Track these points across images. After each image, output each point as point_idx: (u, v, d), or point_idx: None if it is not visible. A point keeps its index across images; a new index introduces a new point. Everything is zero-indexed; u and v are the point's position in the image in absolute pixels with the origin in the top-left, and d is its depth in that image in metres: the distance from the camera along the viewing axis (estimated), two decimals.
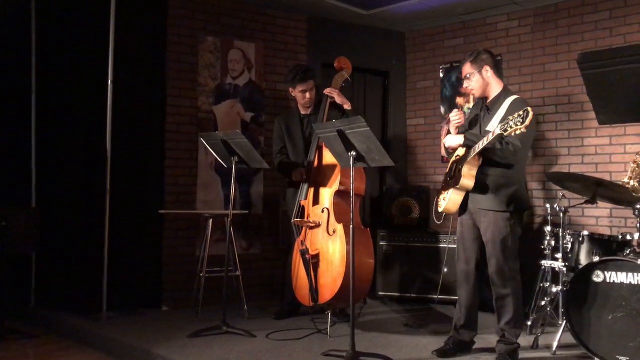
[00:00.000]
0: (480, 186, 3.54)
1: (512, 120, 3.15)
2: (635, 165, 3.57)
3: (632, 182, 3.55)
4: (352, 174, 3.68)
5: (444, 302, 4.99)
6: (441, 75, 6.10)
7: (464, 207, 3.67)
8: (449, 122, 3.80)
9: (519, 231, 3.64)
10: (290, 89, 4.72)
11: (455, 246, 3.95)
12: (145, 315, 4.84)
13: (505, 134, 3.19)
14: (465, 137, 3.58)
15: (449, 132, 3.78)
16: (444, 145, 3.76)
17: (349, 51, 5.17)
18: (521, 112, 3.12)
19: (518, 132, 3.15)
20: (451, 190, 3.59)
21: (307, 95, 4.64)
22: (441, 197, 3.72)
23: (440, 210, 3.69)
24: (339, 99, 4.57)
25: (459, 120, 3.72)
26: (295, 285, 4.41)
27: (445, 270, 4.90)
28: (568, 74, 5.23)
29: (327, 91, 4.61)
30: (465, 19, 5.88)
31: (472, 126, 3.74)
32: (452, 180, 3.63)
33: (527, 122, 3.09)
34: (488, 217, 3.56)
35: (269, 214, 5.59)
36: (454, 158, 3.74)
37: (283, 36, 5.77)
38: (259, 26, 5.65)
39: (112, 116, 4.78)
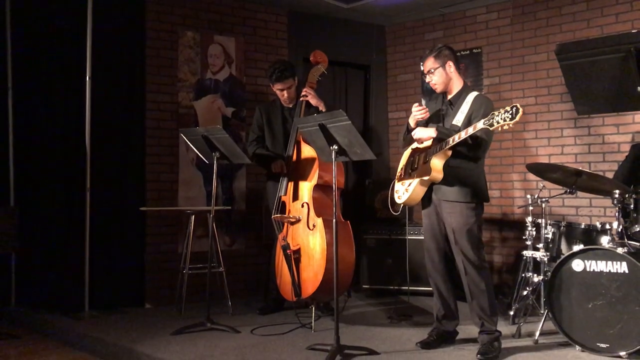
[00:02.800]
0: (446, 178, 3.56)
1: (498, 115, 3.13)
2: None
3: None
4: (334, 167, 3.68)
5: (427, 294, 5.01)
6: (422, 68, 6.09)
7: (426, 198, 3.69)
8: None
9: (482, 221, 3.69)
10: (270, 84, 4.70)
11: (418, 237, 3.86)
12: (128, 313, 4.80)
13: (491, 129, 3.19)
14: (437, 130, 3.58)
15: (408, 124, 3.76)
16: (413, 136, 3.70)
17: (330, 45, 5.16)
18: (508, 108, 3.10)
19: (505, 127, 3.13)
20: (416, 181, 3.59)
21: (285, 93, 4.62)
22: (401, 187, 3.71)
23: (400, 201, 3.70)
24: (313, 101, 4.53)
25: (422, 115, 3.69)
26: (278, 281, 4.41)
27: None
28: (547, 66, 5.27)
29: (302, 92, 4.57)
30: (444, 12, 5.89)
31: (433, 120, 3.74)
32: (415, 171, 3.63)
33: (518, 118, 3.07)
34: (454, 207, 3.59)
35: (252, 210, 5.57)
36: (411, 150, 3.75)
37: (263, 30, 5.74)
38: (239, 20, 5.61)
39: (91, 112, 4.73)
